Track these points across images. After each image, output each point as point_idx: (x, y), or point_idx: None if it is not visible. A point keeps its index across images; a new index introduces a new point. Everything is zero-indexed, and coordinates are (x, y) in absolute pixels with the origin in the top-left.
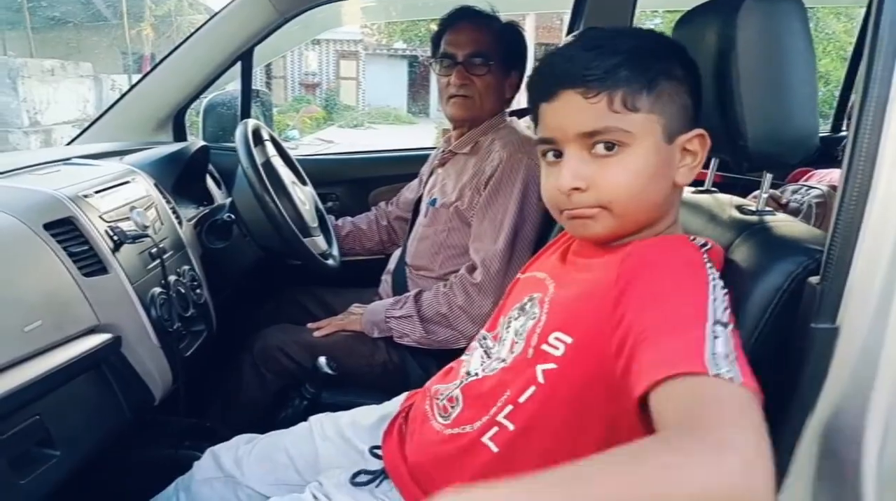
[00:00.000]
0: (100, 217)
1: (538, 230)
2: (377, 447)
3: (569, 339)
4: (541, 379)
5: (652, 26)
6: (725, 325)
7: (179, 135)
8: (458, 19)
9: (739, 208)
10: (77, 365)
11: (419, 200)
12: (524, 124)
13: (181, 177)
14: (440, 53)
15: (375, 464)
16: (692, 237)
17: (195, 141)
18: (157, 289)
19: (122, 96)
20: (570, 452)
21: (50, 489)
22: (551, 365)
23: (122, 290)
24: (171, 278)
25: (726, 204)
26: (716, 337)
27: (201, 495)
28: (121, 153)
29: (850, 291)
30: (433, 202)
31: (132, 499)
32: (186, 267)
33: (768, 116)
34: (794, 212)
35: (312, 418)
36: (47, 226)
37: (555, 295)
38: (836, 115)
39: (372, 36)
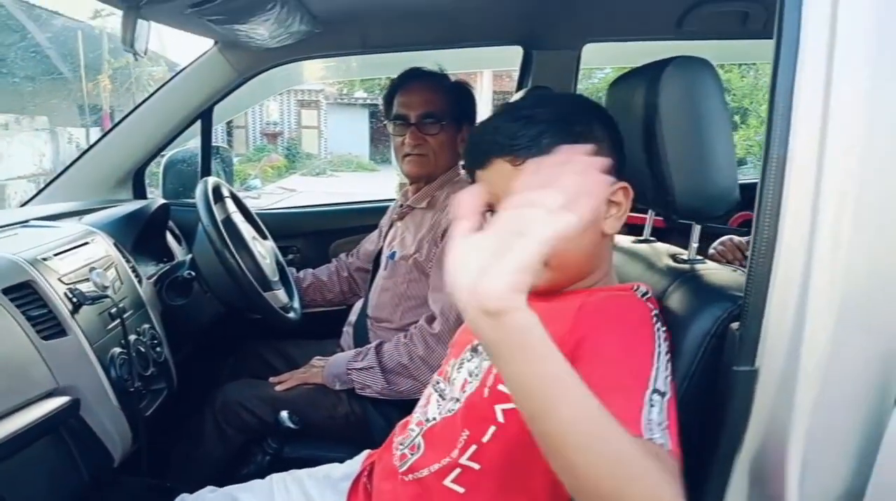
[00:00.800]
0: (59, 279)
1: None
2: None
3: None
4: (500, 418)
5: (602, 75)
6: (663, 394)
7: (139, 192)
8: (409, 80)
9: (673, 257)
10: (35, 430)
11: (380, 252)
12: None
13: (141, 236)
14: (393, 114)
15: None
16: (635, 286)
17: (155, 199)
18: (117, 349)
19: (82, 155)
20: (521, 487)
21: None
22: (511, 405)
23: (82, 352)
24: (132, 337)
25: (662, 253)
26: (652, 406)
27: None
28: (80, 213)
29: (765, 335)
30: (392, 255)
31: None
32: (147, 326)
33: (692, 173)
34: None
35: (274, 476)
36: (6, 291)
37: None
38: None
39: (333, 85)
